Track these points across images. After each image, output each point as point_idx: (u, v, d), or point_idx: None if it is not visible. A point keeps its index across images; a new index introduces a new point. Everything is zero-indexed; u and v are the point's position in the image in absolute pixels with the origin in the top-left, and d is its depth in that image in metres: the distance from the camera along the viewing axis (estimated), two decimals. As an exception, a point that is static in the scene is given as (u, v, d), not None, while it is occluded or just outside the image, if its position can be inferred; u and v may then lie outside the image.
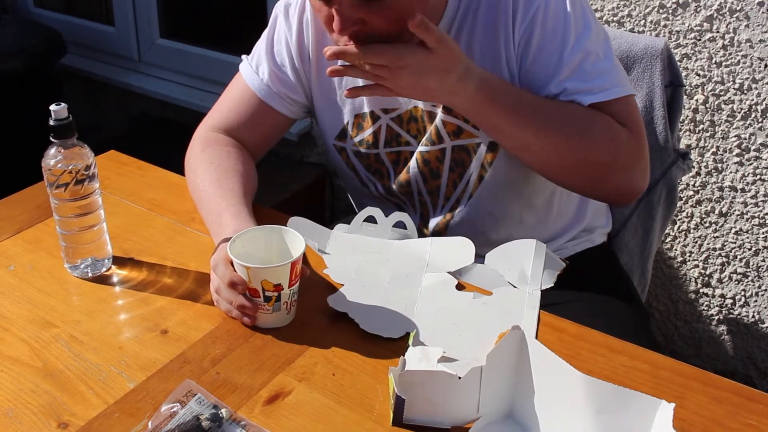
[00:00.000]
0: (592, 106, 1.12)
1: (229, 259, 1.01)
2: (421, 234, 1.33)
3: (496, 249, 1.15)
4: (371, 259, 1.16)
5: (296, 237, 1.04)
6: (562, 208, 1.34)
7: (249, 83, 1.32)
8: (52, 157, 1.07)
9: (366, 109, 1.28)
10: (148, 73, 2.90)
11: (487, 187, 1.26)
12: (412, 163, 1.28)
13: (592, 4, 1.87)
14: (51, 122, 1.06)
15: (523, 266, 1.11)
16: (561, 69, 1.12)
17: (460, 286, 1.11)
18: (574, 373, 0.82)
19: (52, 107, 1.05)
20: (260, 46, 1.34)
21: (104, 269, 1.15)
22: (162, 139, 2.67)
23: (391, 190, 1.34)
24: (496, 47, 1.15)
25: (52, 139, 1.07)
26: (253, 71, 1.32)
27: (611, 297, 1.30)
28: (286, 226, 1.10)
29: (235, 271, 1.00)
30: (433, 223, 1.33)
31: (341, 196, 2.54)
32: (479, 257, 1.17)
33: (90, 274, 1.14)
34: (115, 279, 1.14)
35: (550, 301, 1.10)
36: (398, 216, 1.21)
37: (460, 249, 1.16)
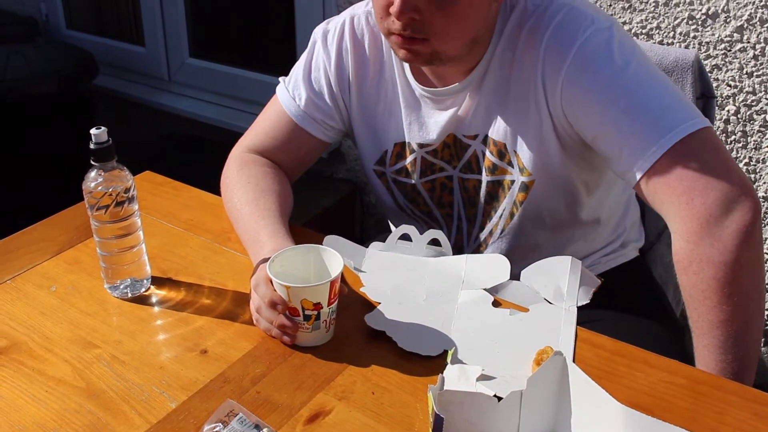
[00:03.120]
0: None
1: (269, 278, 1.02)
2: None
3: (532, 266, 1.15)
4: (407, 277, 1.17)
5: (334, 256, 1.05)
6: (598, 236, 1.34)
7: (286, 108, 1.33)
8: (93, 180, 1.09)
9: (406, 139, 1.30)
10: (178, 92, 2.94)
11: (519, 223, 1.27)
12: (455, 185, 1.29)
13: (620, 17, 1.87)
14: (91, 145, 1.08)
15: (559, 283, 1.12)
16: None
17: (496, 303, 1.12)
18: (613, 403, 0.82)
19: (93, 131, 1.07)
20: (297, 70, 1.35)
21: (143, 290, 1.17)
22: (193, 157, 2.70)
23: (432, 215, 1.34)
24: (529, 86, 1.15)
25: (93, 162, 1.09)
26: (289, 96, 1.33)
27: (646, 312, 1.30)
28: (321, 244, 1.11)
29: (275, 290, 1.01)
30: (467, 251, 1.34)
31: (371, 211, 2.55)
32: (514, 275, 1.17)
33: (129, 295, 1.16)
34: (154, 299, 1.16)
35: (585, 318, 1.10)
36: (433, 233, 1.22)
37: (495, 266, 1.16)
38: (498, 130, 1.21)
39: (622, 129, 1.08)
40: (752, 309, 1.04)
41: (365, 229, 2.59)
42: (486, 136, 1.22)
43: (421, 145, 1.28)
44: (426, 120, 1.26)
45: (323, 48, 1.32)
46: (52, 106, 2.69)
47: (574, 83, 1.10)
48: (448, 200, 1.32)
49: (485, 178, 1.25)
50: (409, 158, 1.30)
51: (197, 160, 2.66)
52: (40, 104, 2.66)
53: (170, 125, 2.95)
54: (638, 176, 1.08)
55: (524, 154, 1.20)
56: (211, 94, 2.84)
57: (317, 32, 1.34)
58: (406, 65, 1.25)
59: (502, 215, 1.27)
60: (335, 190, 2.45)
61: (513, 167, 1.22)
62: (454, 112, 1.23)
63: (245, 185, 1.27)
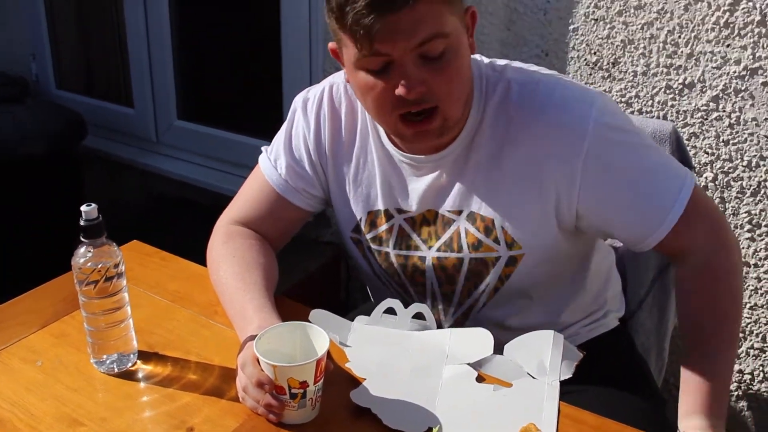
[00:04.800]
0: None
1: (255, 358, 1.03)
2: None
3: (515, 340, 1.17)
4: (392, 352, 1.18)
5: (320, 333, 1.06)
6: (578, 306, 1.36)
7: (268, 177, 1.36)
8: (82, 256, 1.11)
9: (380, 207, 1.31)
10: (166, 153, 2.97)
11: (502, 296, 1.28)
12: (428, 265, 1.29)
13: (599, 86, 1.92)
14: (81, 222, 1.09)
15: (542, 357, 1.13)
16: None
17: (480, 378, 1.13)
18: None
19: (83, 208, 1.09)
20: (279, 139, 1.37)
21: (130, 364, 1.18)
22: (181, 219, 2.72)
23: (405, 288, 1.35)
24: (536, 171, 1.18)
25: (82, 239, 1.10)
26: (271, 165, 1.36)
27: (628, 382, 1.31)
28: (307, 317, 1.13)
29: (261, 370, 1.02)
30: (446, 326, 1.34)
31: (356, 275, 2.56)
32: (497, 343, 1.18)
33: (116, 370, 1.17)
34: (140, 374, 1.16)
35: (566, 390, 1.11)
36: (418, 307, 1.24)
37: (479, 340, 1.17)
38: (485, 205, 1.22)
39: (641, 198, 1.17)
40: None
41: (350, 292, 2.60)
42: (471, 212, 1.24)
43: (399, 211, 1.30)
44: (405, 186, 1.28)
45: (303, 116, 1.34)
46: (40, 168, 2.70)
47: (597, 163, 1.14)
48: (420, 280, 1.32)
49: (468, 255, 1.25)
50: (385, 225, 1.31)
51: (185, 221, 2.68)
52: (28, 165, 2.67)
53: (158, 186, 2.97)
54: (657, 240, 1.17)
55: (515, 229, 1.21)
56: (199, 156, 2.87)
57: (297, 101, 1.36)
58: (382, 132, 1.27)
59: (485, 290, 1.28)
60: (320, 254, 2.47)
61: (499, 244, 1.23)
62: (434, 179, 1.24)
63: (231, 259, 1.28)
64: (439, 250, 1.27)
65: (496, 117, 1.19)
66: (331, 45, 1.18)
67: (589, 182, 1.15)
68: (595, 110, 1.14)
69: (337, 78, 1.33)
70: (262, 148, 1.40)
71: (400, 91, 1.08)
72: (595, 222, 1.20)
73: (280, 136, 1.38)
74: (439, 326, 1.34)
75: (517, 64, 1.24)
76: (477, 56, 1.25)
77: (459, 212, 1.25)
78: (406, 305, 1.26)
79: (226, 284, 1.25)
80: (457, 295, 1.31)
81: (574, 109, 1.15)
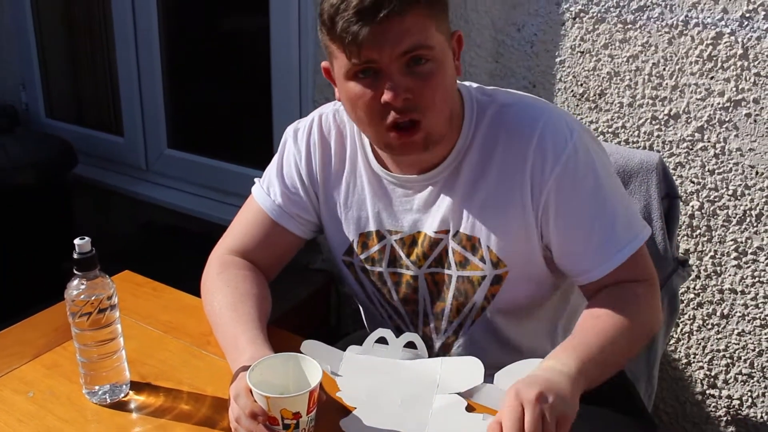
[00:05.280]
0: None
1: (248, 389, 1.03)
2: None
3: (505, 369, 1.18)
4: (383, 381, 1.19)
5: (313, 364, 1.07)
6: (566, 332, 1.37)
7: (262, 205, 1.38)
8: (75, 288, 1.12)
9: (372, 228, 1.34)
10: (156, 182, 2.98)
11: (489, 317, 1.31)
12: (421, 283, 1.32)
13: (586, 117, 1.95)
14: (75, 255, 1.10)
15: (532, 386, 1.14)
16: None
17: (469, 408, 1.14)
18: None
19: (77, 241, 1.10)
20: (271, 169, 1.40)
21: (122, 395, 1.18)
22: (171, 247, 2.72)
23: (396, 309, 1.37)
24: (512, 180, 1.23)
25: (75, 272, 1.11)
26: (265, 193, 1.38)
27: (617, 411, 1.32)
28: (299, 348, 1.13)
29: (255, 401, 1.03)
30: (438, 344, 1.36)
31: (347, 302, 2.57)
32: (488, 376, 1.19)
33: (108, 401, 1.17)
34: (132, 405, 1.17)
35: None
36: (409, 336, 1.25)
37: (469, 369, 1.18)
38: (471, 224, 1.26)
39: (593, 236, 1.22)
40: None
41: (341, 319, 2.60)
42: (458, 231, 1.27)
43: (390, 232, 1.32)
44: (394, 208, 1.31)
45: (294, 145, 1.37)
46: (29, 197, 2.70)
47: (561, 188, 1.20)
48: (413, 298, 1.35)
49: (455, 272, 1.29)
50: (377, 246, 1.34)
51: (175, 250, 2.68)
52: (18, 194, 2.68)
53: (148, 215, 2.98)
54: (596, 276, 1.23)
55: (500, 248, 1.25)
56: (189, 185, 2.88)
57: (288, 132, 1.40)
58: (371, 155, 1.31)
59: (472, 309, 1.30)
60: (311, 281, 2.47)
61: (485, 263, 1.26)
62: (423, 199, 1.28)
63: (224, 289, 1.30)
64: (429, 266, 1.30)
65: (486, 138, 1.23)
66: (324, 64, 1.24)
67: (551, 208, 1.21)
68: (573, 142, 1.20)
69: (326, 108, 1.37)
70: (255, 179, 1.42)
71: (386, 96, 1.13)
72: (554, 237, 1.25)
73: (272, 167, 1.40)
74: (431, 345, 1.36)
75: (504, 90, 1.29)
76: (467, 83, 1.29)
77: (446, 231, 1.28)
78: (398, 329, 1.27)
79: (220, 314, 1.26)
80: (446, 314, 1.33)
81: (556, 135, 1.20)
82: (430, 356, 1.27)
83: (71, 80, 3.31)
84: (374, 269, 1.35)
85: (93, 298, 1.11)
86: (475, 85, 1.29)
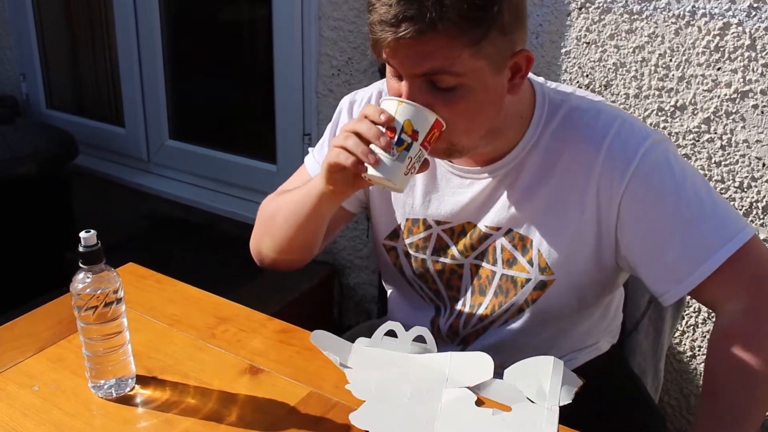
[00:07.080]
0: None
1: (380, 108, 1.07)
2: (449, 337, 1.35)
3: (515, 365, 1.17)
4: (392, 374, 1.18)
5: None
6: (590, 334, 1.36)
7: (312, 174, 1.37)
8: (81, 282, 1.10)
9: (419, 216, 1.31)
10: (158, 173, 2.97)
11: (524, 319, 1.28)
12: (466, 271, 1.30)
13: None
14: (80, 249, 1.09)
15: (542, 382, 1.13)
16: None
17: (479, 402, 1.13)
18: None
19: (82, 234, 1.08)
20: (324, 140, 1.39)
21: (128, 389, 1.17)
22: (173, 239, 2.72)
23: (440, 294, 1.35)
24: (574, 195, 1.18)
25: (81, 265, 1.10)
26: (315, 161, 1.37)
27: (625, 404, 1.31)
28: (302, 338, 1.12)
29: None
30: (462, 335, 1.34)
31: (350, 294, 2.56)
32: (498, 372, 1.18)
33: (114, 395, 1.16)
34: (138, 399, 1.16)
35: (564, 414, 1.11)
36: (418, 330, 1.24)
37: (479, 364, 1.18)
38: (526, 225, 1.22)
39: (686, 238, 1.14)
40: None
41: (343, 311, 2.60)
42: (510, 229, 1.24)
43: (438, 222, 1.30)
44: (447, 197, 1.28)
45: (348, 116, 1.34)
46: (31, 188, 2.69)
47: (636, 195, 1.14)
48: (456, 284, 1.32)
49: (500, 270, 1.26)
50: (423, 234, 1.31)
51: (177, 241, 2.68)
52: (18, 185, 2.67)
53: (149, 206, 2.97)
54: (698, 281, 1.13)
55: (550, 253, 1.22)
56: (190, 176, 2.87)
57: (344, 102, 1.37)
58: None
59: (509, 310, 1.28)
60: (314, 273, 2.47)
61: (532, 266, 1.23)
62: (479, 192, 1.24)
63: (288, 193, 1.33)
64: (476, 258, 1.28)
65: (553, 140, 1.19)
66: None
67: (626, 218, 1.16)
68: (646, 147, 1.14)
69: (386, 85, 1.32)
70: (309, 149, 1.42)
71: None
72: (628, 261, 1.19)
73: (324, 137, 1.39)
74: (456, 333, 1.35)
75: (581, 92, 1.25)
76: (540, 79, 1.25)
77: (497, 228, 1.25)
78: (437, 309, 1.26)
79: (284, 199, 1.31)
80: (483, 307, 1.30)
81: (627, 142, 1.14)
82: (445, 349, 1.26)
83: (72, 70, 3.30)
84: (418, 255, 1.33)
85: (99, 291, 1.10)
86: (552, 84, 1.25)
